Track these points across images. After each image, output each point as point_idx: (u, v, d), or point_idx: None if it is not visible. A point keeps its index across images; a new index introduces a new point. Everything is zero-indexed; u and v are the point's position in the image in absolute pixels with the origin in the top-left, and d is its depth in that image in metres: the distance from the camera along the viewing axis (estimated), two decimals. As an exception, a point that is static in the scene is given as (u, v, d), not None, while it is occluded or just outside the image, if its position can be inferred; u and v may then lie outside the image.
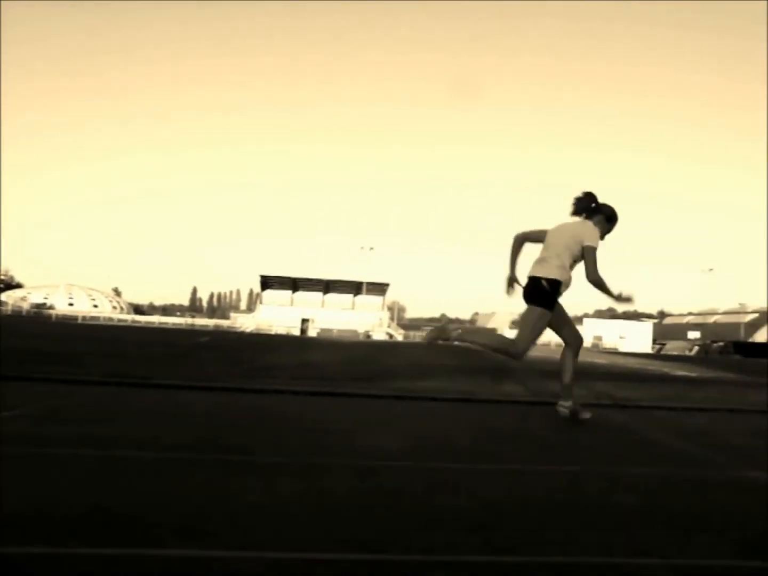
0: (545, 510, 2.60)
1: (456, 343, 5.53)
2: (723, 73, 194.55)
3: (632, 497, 2.90)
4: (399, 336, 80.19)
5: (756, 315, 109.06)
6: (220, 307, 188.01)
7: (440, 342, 5.46)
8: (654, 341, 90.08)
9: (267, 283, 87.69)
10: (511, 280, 5.49)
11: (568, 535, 2.28)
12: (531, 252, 5.47)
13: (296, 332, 72.73)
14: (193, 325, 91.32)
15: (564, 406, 5.37)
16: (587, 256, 5.10)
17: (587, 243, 5.10)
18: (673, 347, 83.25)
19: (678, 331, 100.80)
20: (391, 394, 6.96)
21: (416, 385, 8.29)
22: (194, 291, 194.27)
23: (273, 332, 68.95)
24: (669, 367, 20.06)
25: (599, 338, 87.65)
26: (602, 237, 5.31)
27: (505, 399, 7.07)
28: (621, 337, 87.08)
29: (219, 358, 13.18)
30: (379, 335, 75.53)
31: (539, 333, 5.33)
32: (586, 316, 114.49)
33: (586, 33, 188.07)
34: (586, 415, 5.32)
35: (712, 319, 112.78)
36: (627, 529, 2.38)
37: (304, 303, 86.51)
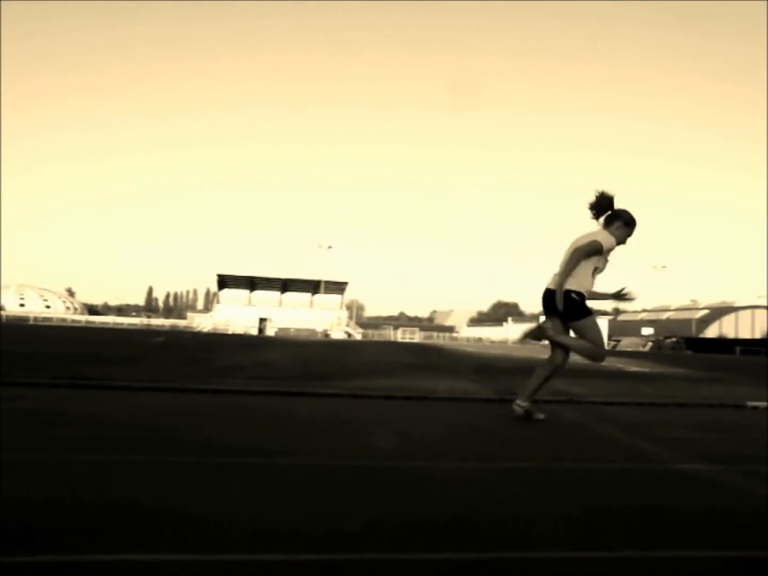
0: (495, 506, 2.63)
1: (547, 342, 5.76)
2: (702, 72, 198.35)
3: (582, 492, 2.95)
4: (358, 335, 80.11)
5: (707, 311, 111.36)
6: (176, 306, 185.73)
7: (534, 340, 5.70)
8: (609, 338, 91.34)
9: (224, 282, 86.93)
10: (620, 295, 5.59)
11: (517, 529, 2.31)
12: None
13: (254, 332, 72.21)
14: (149, 325, 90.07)
15: (520, 405, 5.39)
16: (566, 256, 5.19)
17: (576, 245, 5.16)
18: (627, 343, 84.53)
19: (632, 328, 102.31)
20: (347, 392, 6.96)
21: (373, 384, 8.30)
22: (150, 291, 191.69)
23: (230, 332, 68.36)
24: (623, 363, 20.36)
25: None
26: (624, 241, 5.35)
27: (462, 397, 7.11)
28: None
29: (175, 358, 13.05)
30: (337, 334, 75.38)
31: (599, 332, 5.44)
32: (543, 313, 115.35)
33: (584, 34, 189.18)
34: (540, 415, 5.36)
35: (664, 316, 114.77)
36: (576, 523, 2.42)
37: (261, 302, 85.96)
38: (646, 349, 76.52)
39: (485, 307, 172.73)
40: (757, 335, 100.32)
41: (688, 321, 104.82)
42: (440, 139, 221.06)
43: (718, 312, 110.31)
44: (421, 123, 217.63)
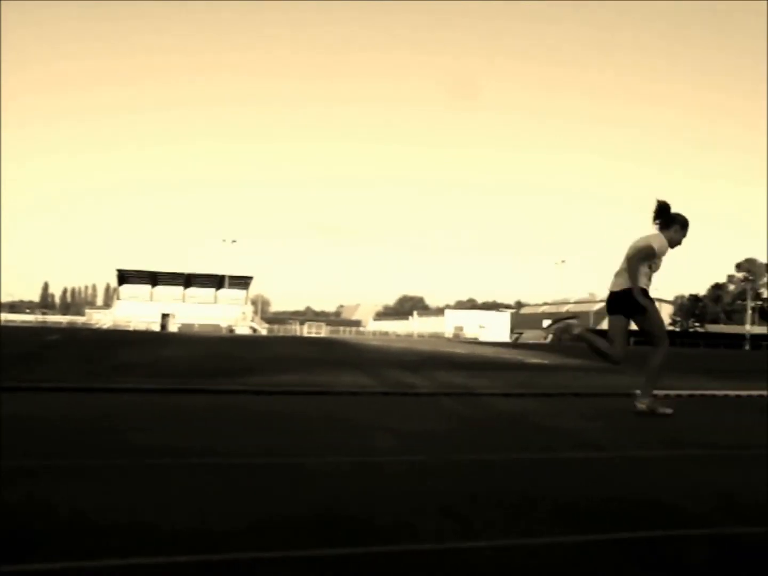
0: (382, 500, 2.64)
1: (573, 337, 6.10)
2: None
3: (470, 483, 2.99)
4: (263, 330, 79.39)
5: (603, 304, 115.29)
6: (74, 303, 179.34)
7: (566, 337, 6.02)
8: (512, 330, 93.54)
9: (124, 277, 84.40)
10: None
11: (403, 523, 2.32)
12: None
13: (156, 328, 70.51)
14: (44, 322, 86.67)
15: (642, 403, 5.65)
16: (628, 257, 5.61)
17: (637, 246, 5.59)
18: (529, 336, 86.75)
19: (534, 320, 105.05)
20: (249, 389, 6.89)
21: (276, 379, 8.25)
22: (45, 286, 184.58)
23: (131, 328, 66.52)
24: (524, 355, 20.87)
25: (460, 328, 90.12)
26: (680, 242, 5.78)
27: (362, 391, 7.13)
28: (480, 327, 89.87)
29: (70, 356, 12.60)
30: (242, 329, 74.49)
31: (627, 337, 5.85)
32: (448, 307, 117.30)
33: (582, 37, 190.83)
34: (668, 410, 5.59)
35: (564, 308, 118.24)
36: (459, 513, 2.45)
37: (164, 298, 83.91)
38: (548, 341, 78.73)
39: (391, 301, 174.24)
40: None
41: (586, 313, 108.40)
42: (344, 134, 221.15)
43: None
44: (321, 118, 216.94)
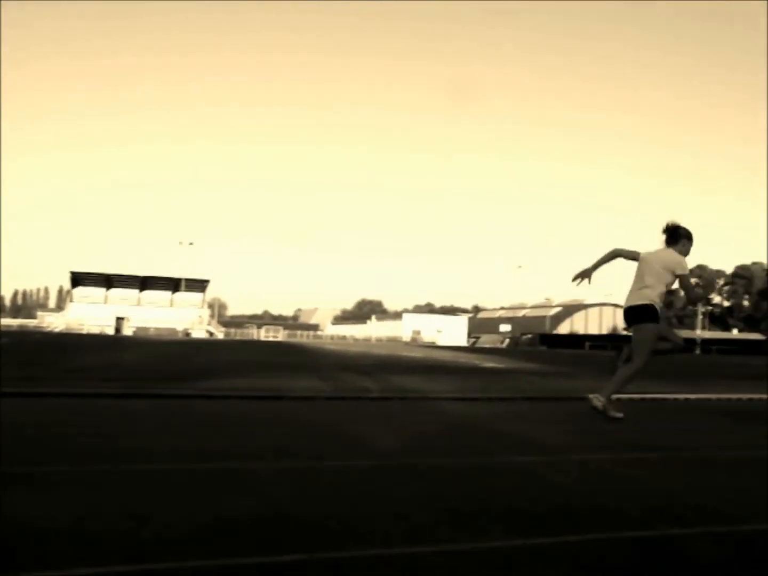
0: (329, 504, 2.63)
1: None
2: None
3: (419, 487, 3.00)
4: (220, 334, 78.71)
5: (560, 309, 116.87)
6: (25, 305, 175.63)
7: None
8: (469, 334, 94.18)
9: (78, 279, 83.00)
10: (586, 274, 6.14)
11: (349, 528, 2.32)
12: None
13: (111, 331, 69.48)
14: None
15: (599, 399, 5.71)
16: (685, 285, 6.10)
17: (681, 272, 5.94)
18: (486, 340, 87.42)
19: (491, 325, 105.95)
20: (201, 393, 6.83)
21: (230, 384, 8.18)
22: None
23: (85, 331, 65.45)
24: (480, 360, 21.01)
25: (418, 332, 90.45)
26: (688, 254, 6.12)
27: (317, 395, 7.11)
28: (438, 331, 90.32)
29: (17, 360, 12.34)
30: (198, 333, 73.79)
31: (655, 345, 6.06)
32: (406, 311, 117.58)
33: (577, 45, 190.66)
34: (618, 414, 5.62)
35: (521, 313, 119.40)
36: (405, 518, 2.45)
37: (118, 300, 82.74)
38: (504, 345, 79.42)
39: (349, 305, 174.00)
40: (605, 331, 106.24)
41: (542, 318, 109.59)
42: (303, 138, 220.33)
43: (570, 309, 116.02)
44: (279, 121, 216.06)
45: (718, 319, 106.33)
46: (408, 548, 2.13)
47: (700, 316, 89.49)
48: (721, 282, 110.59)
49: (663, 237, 6.11)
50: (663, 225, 6.15)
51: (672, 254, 5.96)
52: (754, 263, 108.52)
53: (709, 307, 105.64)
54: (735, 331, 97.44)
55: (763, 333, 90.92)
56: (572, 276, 6.17)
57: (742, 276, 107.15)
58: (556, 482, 3.20)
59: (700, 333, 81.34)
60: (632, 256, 6.11)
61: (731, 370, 19.10)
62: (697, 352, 66.13)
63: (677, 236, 6.03)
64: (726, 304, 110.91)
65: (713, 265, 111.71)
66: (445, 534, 2.29)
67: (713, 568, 2.06)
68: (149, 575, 1.87)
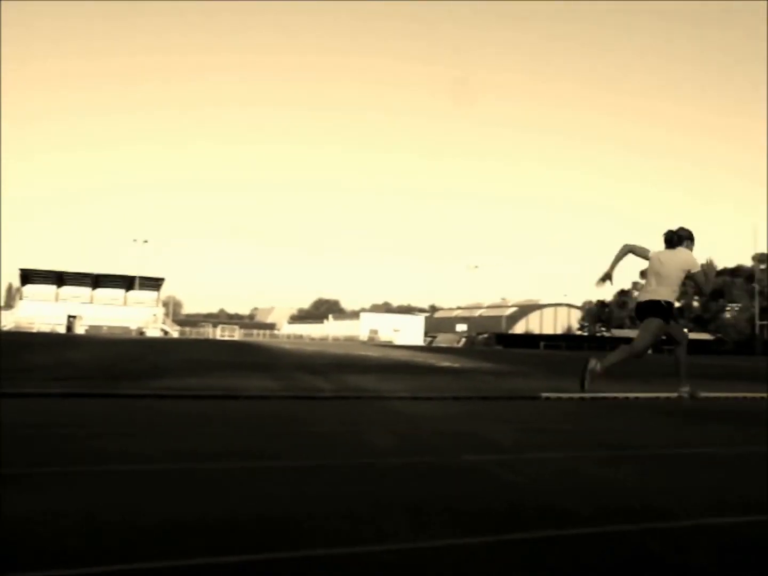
0: (284, 504, 2.62)
1: None
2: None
3: (371, 486, 3.00)
4: (175, 333, 77.91)
5: (515, 309, 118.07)
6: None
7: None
8: (426, 334, 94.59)
9: (28, 276, 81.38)
10: (608, 276, 6.65)
11: (297, 528, 2.31)
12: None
13: (62, 330, 68.26)
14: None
15: (683, 390, 6.60)
16: (699, 278, 6.45)
17: (694, 269, 6.36)
18: (443, 339, 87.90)
19: (447, 324, 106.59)
20: (153, 393, 6.73)
21: (183, 383, 8.09)
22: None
23: (35, 330, 64.18)
24: (436, 359, 21.11)
25: (375, 332, 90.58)
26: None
27: (271, 395, 7.07)
28: (395, 330, 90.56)
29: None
30: (153, 332, 72.93)
31: (657, 338, 6.80)
32: (363, 310, 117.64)
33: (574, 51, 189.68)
34: (700, 394, 6.58)
35: (477, 313, 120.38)
36: (360, 517, 2.45)
37: (70, 298, 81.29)
38: (460, 344, 79.92)
39: (306, 304, 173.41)
40: (559, 331, 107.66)
41: (498, 318, 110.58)
42: (259, 136, 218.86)
43: (525, 309, 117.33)
44: (234, 120, 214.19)
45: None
46: (356, 547, 2.12)
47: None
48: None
49: (666, 240, 6.56)
50: (665, 230, 6.58)
51: (685, 253, 6.41)
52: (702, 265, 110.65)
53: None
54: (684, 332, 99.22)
55: (711, 333, 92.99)
56: (596, 281, 6.66)
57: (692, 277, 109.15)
58: (507, 481, 3.23)
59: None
60: (643, 253, 6.52)
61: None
62: (650, 351, 67.29)
63: (681, 238, 6.45)
64: (677, 304, 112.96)
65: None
66: (395, 533, 2.28)
67: (658, 564, 2.09)
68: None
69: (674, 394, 8.16)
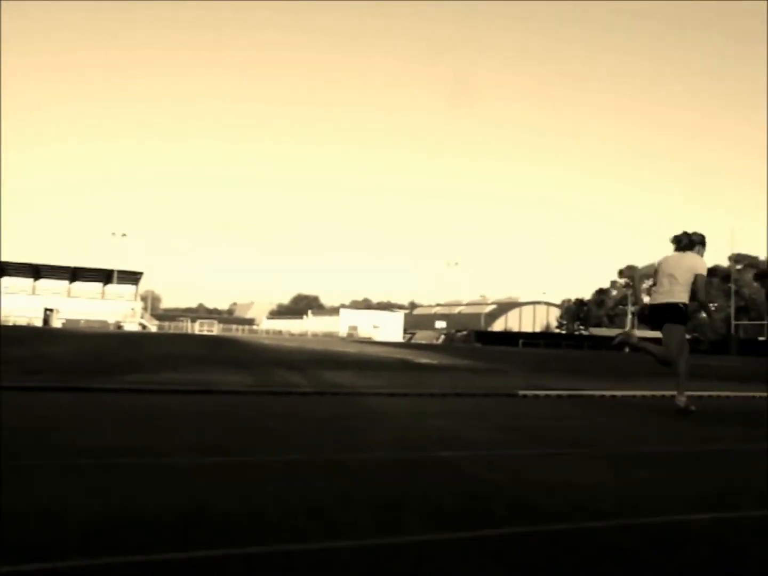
0: (250, 500, 2.60)
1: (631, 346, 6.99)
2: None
3: (341, 482, 2.99)
4: (153, 327, 77.44)
5: (494, 306, 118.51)
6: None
7: (627, 344, 7.00)
8: (405, 330, 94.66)
9: (4, 269, 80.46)
10: (642, 310, 7.00)
11: (265, 522, 2.30)
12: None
13: (38, 323, 67.65)
14: None
15: (680, 400, 6.45)
16: (700, 282, 6.44)
17: (700, 272, 6.44)
18: (422, 336, 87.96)
19: (427, 321, 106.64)
20: (130, 387, 6.69)
21: (158, 378, 8.04)
22: None
23: (11, 323, 63.55)
24: (414, 355, 21.14)
25: (354, 328, 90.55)
26: (702, 257, 6.66)
27: (246, 390, 7.04)
28: (375, 327, 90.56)
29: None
30: (131, 326, 72.43)
31: (684, 343, 6.62)
32: (343, 306, 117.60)
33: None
34: (692, 407, 6.39)
35: (456, 310, 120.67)
36: (327, 514, 2.44)
37: (47, 291, 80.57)
38: (439, 341, 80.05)
39: (286, 299, 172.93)
40: (538, 328, 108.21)
41: (477, 315, 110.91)
42: (239, 132, 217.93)
43: (505, 307, 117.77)
44: (215, 116, 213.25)
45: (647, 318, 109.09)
46: (326, 543, 2.11)
47: (630, 316, 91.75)
48: (650, 282, 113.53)
49: (677, 242, 6.65)
50: (676, 234, 6.72)
51: (694, 257, 6.54)
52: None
53: (637, 307, 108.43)
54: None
55: (688, 332, 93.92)
56: (637, 313, 7.14)
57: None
58: (479, 477, 3.23)
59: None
60: (653, 270, 6.64)
61: (658, 367, 19.63)
62: (626, 350, 67.89)
63: (693, 243, 6.60)
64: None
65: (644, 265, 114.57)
66: (366, 529, 2.28)
67: (628, 560, 2.10)
68: (53, 574, 1.81)
69: (648, 393, 8.23)
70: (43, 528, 2.15)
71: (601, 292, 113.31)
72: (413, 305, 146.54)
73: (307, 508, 2.50)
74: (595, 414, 6.34)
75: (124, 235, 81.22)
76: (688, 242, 6.62)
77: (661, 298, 6.52)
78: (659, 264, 6.65)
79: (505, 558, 2.06)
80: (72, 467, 3.07)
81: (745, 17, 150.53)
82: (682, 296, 6.39)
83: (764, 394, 8.79)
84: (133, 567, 1.86)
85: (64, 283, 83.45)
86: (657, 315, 6.60)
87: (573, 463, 3.73)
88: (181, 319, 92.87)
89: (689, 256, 6.53)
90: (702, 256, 6.63)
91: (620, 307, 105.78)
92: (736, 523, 2.56)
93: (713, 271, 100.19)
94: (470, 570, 1.95)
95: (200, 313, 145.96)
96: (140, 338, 30.46)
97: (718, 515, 2.66)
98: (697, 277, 6.44)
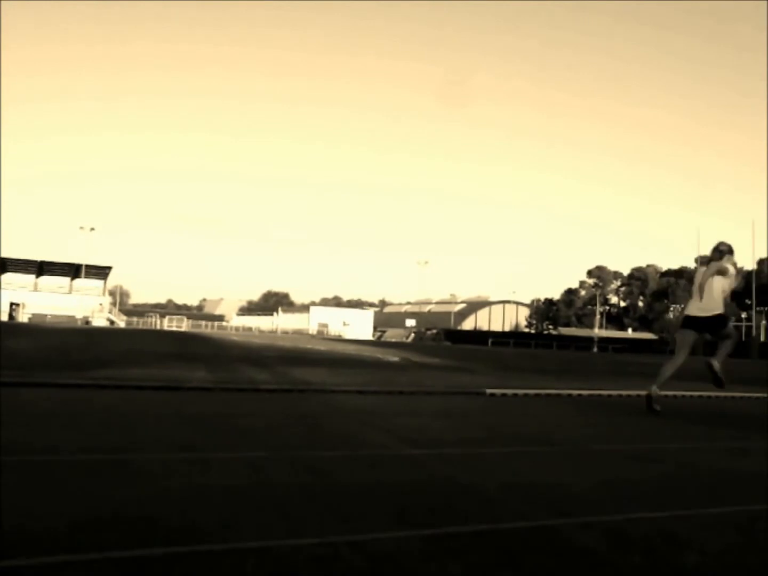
0: (210, 497, 2.59)
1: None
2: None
3: (304, 478, 2.99)
4: (121, 322, 76.68)
5: (464, 305, 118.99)
6: None
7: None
8: (375, 328, 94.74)
9: (-31, 263, 79.16)
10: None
11: (225, 520, 2.29)
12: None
13: (3, 318, 66.62)
14: None
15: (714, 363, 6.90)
16: (728, 274, 6.95)
17: (722, 271, 6.91)
18: (392, 334, 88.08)
19: (397, 319, 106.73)
20: (94, 383, 6.61)
21: (125, 373, 7.96)
22: None
23: (-25, 317, 62.52)
24: (383, 353, 21.15)
25: (325, 325, 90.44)
26: (734, 265, 7.16)
27: (214, 387, 7.00)
28: (345, 324, 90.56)
29: None
30: (99, 321, 71.67)
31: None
32: (313, 304, 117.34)
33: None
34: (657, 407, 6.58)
35: (426, 309, 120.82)
36: (289, 511, 2.44)
37: (13, 285, 79.32)
38: (409, 340, 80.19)
39: (256, 296, 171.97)
40: (507, 328, 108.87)
41: (447, 314, 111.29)
42: (211, 127, 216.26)
43: (474, 306, 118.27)
44: (187, 110, 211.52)
45: (615, 318, 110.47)
46: (286, 540, 2.11)
47: (598, 316, 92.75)
48: (618, 283, 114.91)
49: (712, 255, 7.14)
50: (717, 246, 7.19)
51: (720, 263, 6.99)
52: (648, 266, 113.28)
53: (607, 307, 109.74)
54: (630, 331, 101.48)
55: (655, 333, 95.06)
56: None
57: (638, 278, 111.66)
58: (444, 475, 3.25)
59: (597, 332, 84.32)
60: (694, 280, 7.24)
61: (625, 367, 19.88)
62: (595, 350, 68.60)
63: (722, 253, 7.09)
64: (622, 304, 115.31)
65: (612, 266, 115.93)
66: (326, 525, 2.28)
67: (590, 556, 2.13)
68: (15, 572, 1.79)
69: (614, 392, 8.33)
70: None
71: (570, 292, 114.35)
72: (384, 303, 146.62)
73: (270, 505, 2.50)
74: (562, 412, 6.40)
75: (92, 229, 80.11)
76: (719, 255, 7.07)
77: (698, 313, 6.94)
78: (696, 275, 7.23)
79: (467, 556, 2.07)
80: (35, 464, 3.04)
81: (744, 22, 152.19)
82: (721, 304, 6.88)
83: (740, 394, 8.93)
84: (94, 564, 1.85)
85: (31, 278, 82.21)
86: (709, 322, 6.97)
87: (539, 461, 3.76)
88: (150, 314, 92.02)
89: (718, 264, 6.99)
90: (734, 262, 7.13)
91: (589, 307, 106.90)
92: (691, 520, 2.61)
93: (680, 273, 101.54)
94: (430, 567, 1.96)
95: (169, 308, 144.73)
96: (108, 334, 30.14)
97: (674, 513, 2.70)
98: (724, 272, 6.96)
